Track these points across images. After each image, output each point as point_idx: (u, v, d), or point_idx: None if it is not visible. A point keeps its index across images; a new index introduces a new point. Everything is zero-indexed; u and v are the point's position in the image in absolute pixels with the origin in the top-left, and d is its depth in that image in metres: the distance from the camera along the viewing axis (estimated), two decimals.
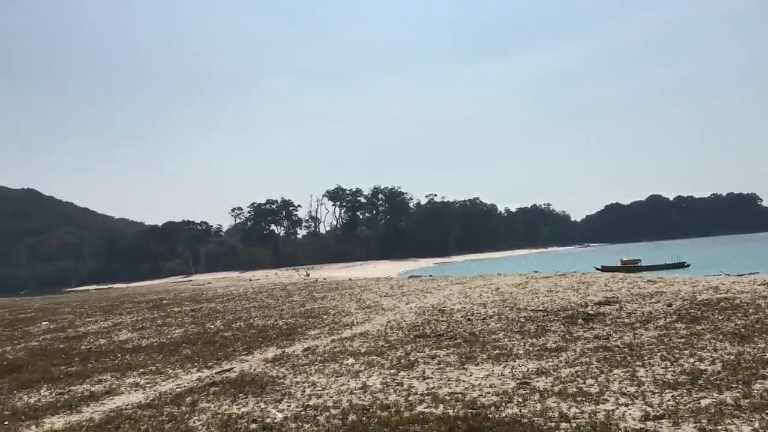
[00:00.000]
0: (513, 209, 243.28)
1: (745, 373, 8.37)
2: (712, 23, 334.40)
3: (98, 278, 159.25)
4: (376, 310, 20.30)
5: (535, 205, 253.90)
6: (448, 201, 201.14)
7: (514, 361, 10.51)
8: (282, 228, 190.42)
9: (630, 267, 53.90)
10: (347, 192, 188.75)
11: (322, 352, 13.18)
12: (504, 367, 10.11)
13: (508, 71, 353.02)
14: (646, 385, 8.31)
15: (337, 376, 10.54)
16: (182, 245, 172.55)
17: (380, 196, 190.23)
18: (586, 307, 16.08)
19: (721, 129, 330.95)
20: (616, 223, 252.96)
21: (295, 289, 35.18)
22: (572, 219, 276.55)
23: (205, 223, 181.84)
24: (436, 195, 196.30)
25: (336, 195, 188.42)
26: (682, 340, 11.03)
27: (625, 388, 8.25)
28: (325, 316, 19.75)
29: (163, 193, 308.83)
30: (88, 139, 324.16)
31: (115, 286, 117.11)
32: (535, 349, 11.45)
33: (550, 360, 10.38)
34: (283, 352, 13.68)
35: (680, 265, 56.07)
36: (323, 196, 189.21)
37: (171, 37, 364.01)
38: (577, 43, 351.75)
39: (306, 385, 10.11)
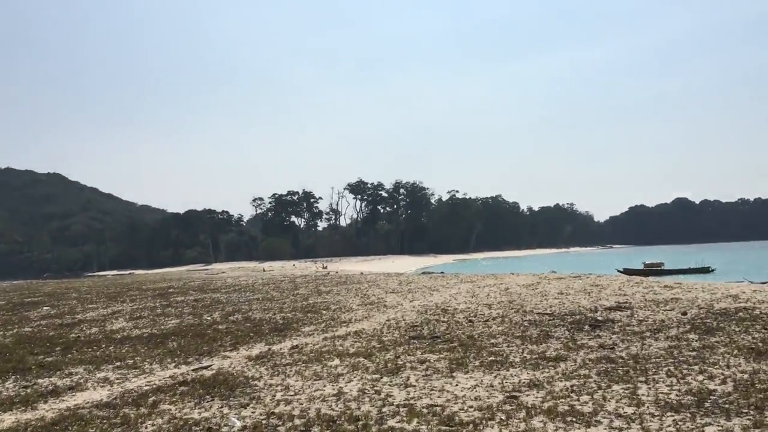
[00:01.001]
0: (536, 208, 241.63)
1: (758, 396, 7.44)
2: (744, 24, 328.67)
3: (120, 264, 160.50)
4: (378, 307, 19.54)
5: (558, 204, 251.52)
6: (470, 198, 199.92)
7: (508, 370, 9.67)
8: (302, 220, 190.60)
9: (653, 270, 52.43)
10: (368, 185, 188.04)
11: (309, 351, 12.44)
12: (495, 377, 9.27)
13: (534, 69, 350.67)
14: (646, 405, 7.43)
15: (315, 380, 9.76)
16: (203, 234, 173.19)
17: (401, 190, 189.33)
18: (596, 312, 15.19)
19: (750, 133, 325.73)
20: (641, 226, 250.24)
21: (303, 281, 34.53)
22: (595, 220, 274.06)
23: (226, 212, 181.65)
24: (458, 191, 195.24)
25: (357, 188, 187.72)
26: (693, 353, 10.11)
27: (623, 408, 7.36)
28: (324, 312, 19.03)
29: (186, 181, 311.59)
30: (115, 125, 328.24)
31: (135, 272, 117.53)
32: (533, 357, 10.60)
33: (547, 370, 9.52)
34: (269, 349, 12.96)
35: (705, 270, 54.50)
36: (344, 189, 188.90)
37: (198, 27, 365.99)
38: (605, 42, 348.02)
39: (279, 388, 9.34)
